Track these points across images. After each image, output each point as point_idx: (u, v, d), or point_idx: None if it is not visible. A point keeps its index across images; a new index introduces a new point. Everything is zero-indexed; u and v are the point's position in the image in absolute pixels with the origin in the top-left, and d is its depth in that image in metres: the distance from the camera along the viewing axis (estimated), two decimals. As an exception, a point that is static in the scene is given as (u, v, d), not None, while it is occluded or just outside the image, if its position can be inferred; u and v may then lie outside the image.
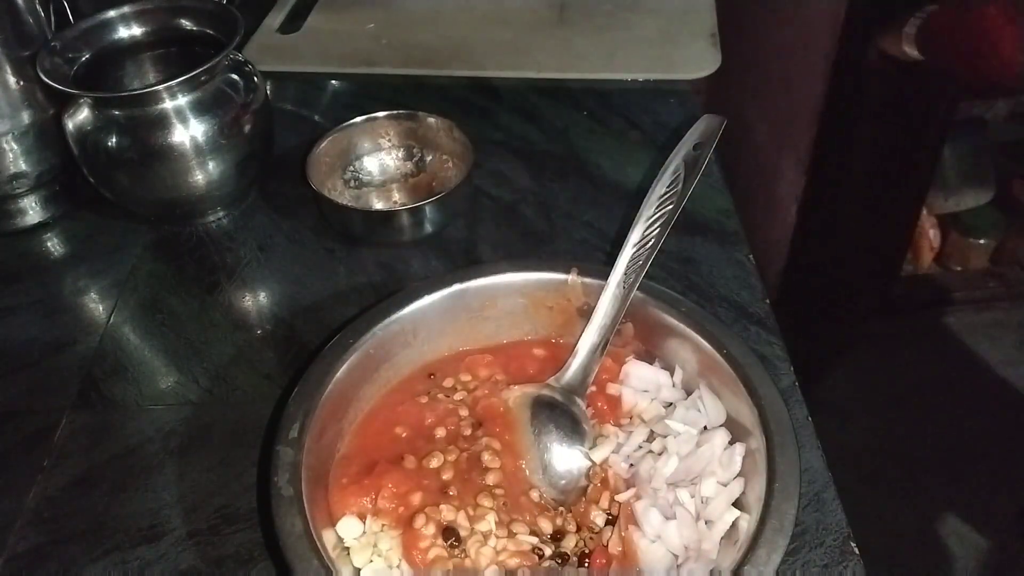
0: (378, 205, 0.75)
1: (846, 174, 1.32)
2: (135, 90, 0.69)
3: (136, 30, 0.71)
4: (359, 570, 0.45)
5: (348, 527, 0.46)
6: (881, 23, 1.11)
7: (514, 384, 0.53)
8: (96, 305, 0.67)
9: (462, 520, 0.46)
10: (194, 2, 0.71)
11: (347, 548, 0.46)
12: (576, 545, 0.47)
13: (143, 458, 0.55)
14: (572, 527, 0.48)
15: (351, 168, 0.74)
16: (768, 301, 0.63)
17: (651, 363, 0.54)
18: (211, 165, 0.67)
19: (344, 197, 0.73)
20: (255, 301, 0.67)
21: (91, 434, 0.57)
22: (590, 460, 0.50)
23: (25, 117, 0.69)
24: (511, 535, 0.46)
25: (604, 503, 0.48)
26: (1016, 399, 1.55)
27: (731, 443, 0.48)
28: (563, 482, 0.49)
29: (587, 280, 0.54)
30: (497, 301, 0.56)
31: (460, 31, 0.95)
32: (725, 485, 0.47)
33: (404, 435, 0.51)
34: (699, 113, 0.62)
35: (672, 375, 0.53)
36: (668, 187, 0.53)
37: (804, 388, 0.57)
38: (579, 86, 0.87)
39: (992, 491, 1.41)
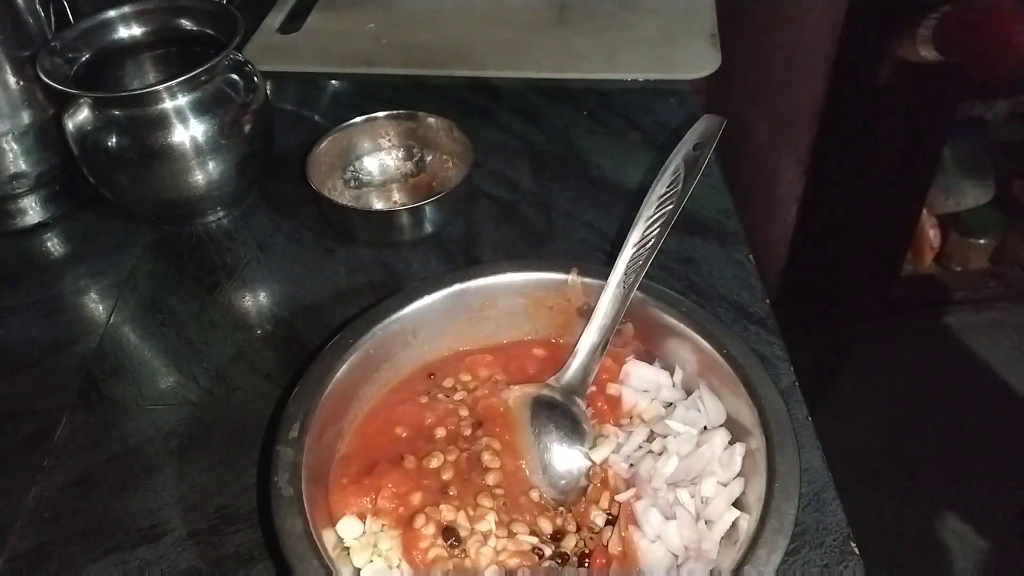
0: (378, 205, 0.75)
1: (846, 174, 1.31)
2: (135, 90, 0.69)
3: (136, 30, 0.71)
4: (359, 570, 0.45)
5: (348, 527, 0.46)
6: (893, 28, 1.11)
7: (514, 384, 0.53)
8: (96, 305, 0.67)
9: (462, 520, 0.46)
10: (194, 2, 0.71)
11: (347, 548, 0.46)
12: (576, 545, 0.47)
13: (143, 458, 0.55)
14: (572, 527, 0.48)
15: (351, 168, 0.74)
16: (768, 301, 0.63)
17: (651, 363, 0.54)
18: (211, 165, 0.67)
19: (344, 197, 0.73)
20: (255, 301, 0.67)
21: (91, 434, 0.57)
22: (590, 460, 0.50)
23: (25, 117, 0.69)
24: (511, 535, 0.46)
25: (604, 503, 0.48)
26: (1016, 399, 1.55)
27: (731, 443, 0.48)
28: (563, 482, 0.49)
29: (587, 280, 0.54)
30: (497, 301, 0.56)
31: (460, 31, 0.95)
32: (725, 485, 0.47)
33: (404, 435, 0.51)
34: (699, 113, 0.62)
35: (672, 375, 0.53)
36: (668, 187, 0.53)
37: (804, 388, 0.57)
38: (579, 86, 0.87)
39: (992, 491, 1.41)
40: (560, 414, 0.51)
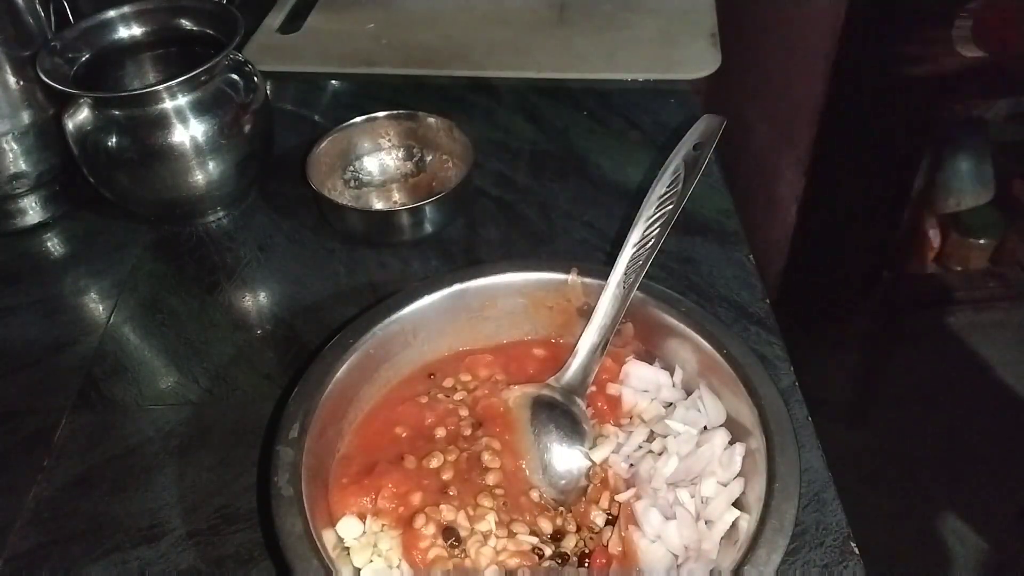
0: (378, 205, 0.75)
1: (846, 174, 1.31)
2: (135, 90, 0.69)
3: (136, 30, 0.71)
4: (359, 570, 0.45)
5: (348, 527, 0.46)
6: (924, 31, 1.10)
7: (514, 384, 0.53)
8: (96, 305, 0.67)
9: (462, 520, 0.46)
10: (194, 2, 0.71)
11: (347, 548, 0.46)
12: (576, 545, 0.47)
13: (143, 458, 0.55)
14: (572, 527, 0.48)
15: (351, 168, 0.74)
16: (768, 301, 0.63)
17: (651, 363, 0.54)
18: (211, 165, 0.67)
19: (344, 197, 0.73)
20: (255, 301, 0.67)
21: (91, 434, 0.57)
22: (590, 460, 0.50)
23: (25, 117, 0.69)
24: (511, 535, 0.46)
25: (604, 503, 0.48)
26: (1016, 399, 1.55)
27: (731, 443, 0.48)
28: (563, 482, 0.49)
29: (587, 280, 0.54)
30: (497, 301, 0.56)
31: (460, 31, 0.95)
32: (725, 485, 0.47)
33: (404, 435, 0.51)
34: (699, 113, 0.62)
35: (672, 375, 0.53)
36: (668, 187, 0.53)
37: (804, 388, 0.57)
38: (579, 86, 0.87)
39: (992, 491, 1.41)
40: (560, 414, 0.51)
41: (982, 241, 1.74)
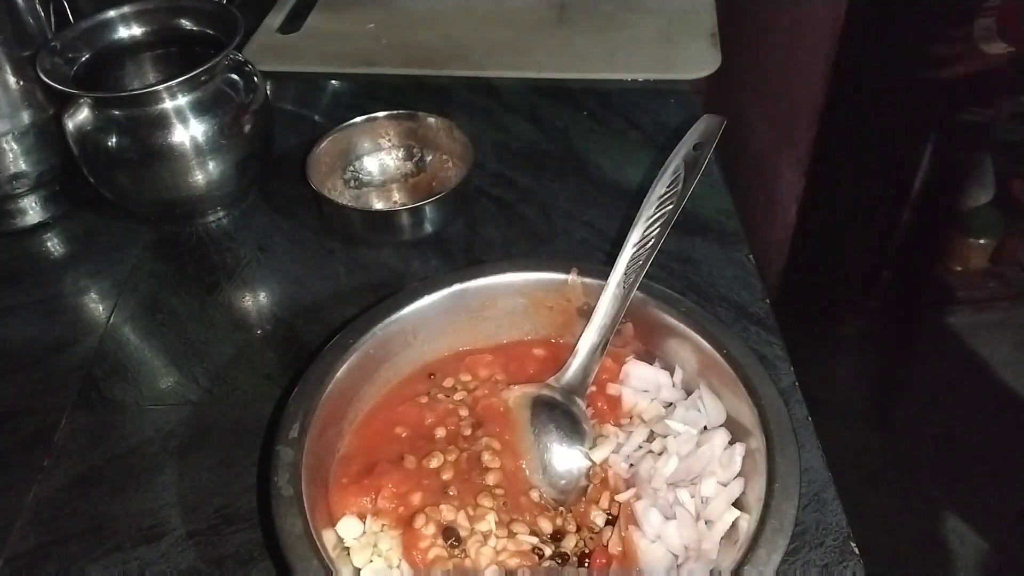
0: (378, 205, 0.75)
1: (846, 174, 1.31)
2: (135, 90, 0.69)
3: (136, 30, 0.71)
4: (359, 570, 0.45)
5: (348, 527, 0.46)
6: (947, 30, 1.10)
7: (514, 384, 0.53)
8: (96, 305, 0.67)
9: (462, 520, 0.46)
10: (194, 2, 0.71)
11: (347, 548, 0.46)
12: (576, 545, 0.47)
13: (143, 458, 0.55)
14: (572, 527, 0.48)
15: (351, 168, 0.74)
16: (768, 301, 0.63)
17: (651, 363, 0.54)
18: (211, 165, 0.67)
19: (344, 197, 0.73)
20: (255, 301, 0.67)
21: (91, 434, 0.57)
22: (590, 460, 0.50)
23: (25, 117, 0.69)
24: (511, 535, 0.46)
25: (604, 503, 0.48)
26: (1016, 399, 1.54)
27: (731, 443, 0.48)
28: (563, 482, 0.49)
29: (587, 280, 0.54)
30: (497, 301, 0.56)
31: (460, 31, 0.95)
32: (725, 485, 0.47)
33: (404, 435, 0.51)
34: (699, 113, 0.62)
35: (672, 375, 0.53)
36: (668, 187, 0.53)
37: (804, 388, 0.57)
38: (579, 86, 0.87)
39: (992, 491, 1.41)
40: (560, 414, 0.51)
41: (982, 241, 1.74)
